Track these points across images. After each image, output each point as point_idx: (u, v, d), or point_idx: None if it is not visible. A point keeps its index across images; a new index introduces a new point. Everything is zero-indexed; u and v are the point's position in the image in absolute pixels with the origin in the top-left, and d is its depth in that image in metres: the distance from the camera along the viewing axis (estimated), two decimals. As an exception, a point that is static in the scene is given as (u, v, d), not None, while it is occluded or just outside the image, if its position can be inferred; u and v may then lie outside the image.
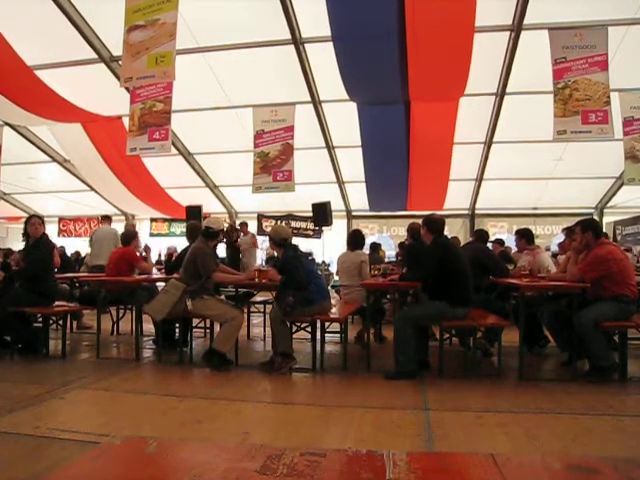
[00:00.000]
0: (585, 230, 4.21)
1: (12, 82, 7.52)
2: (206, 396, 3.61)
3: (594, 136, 6.56)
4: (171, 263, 6.11)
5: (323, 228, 12.17)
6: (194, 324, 4.97)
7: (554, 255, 8.11)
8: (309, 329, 4.52)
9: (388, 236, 14.35)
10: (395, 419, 3.08)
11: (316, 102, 9.18)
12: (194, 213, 11.20)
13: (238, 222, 10.77)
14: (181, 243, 9.02)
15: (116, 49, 7.65)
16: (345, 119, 9.15)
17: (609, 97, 6.44)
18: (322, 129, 10.09)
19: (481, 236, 5.65)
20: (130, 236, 5.83)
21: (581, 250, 4.31)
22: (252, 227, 13.24)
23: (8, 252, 9.00)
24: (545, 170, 11.36)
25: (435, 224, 4.29)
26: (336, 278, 8.49)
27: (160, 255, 13.60)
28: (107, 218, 8.68)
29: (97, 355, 4.77)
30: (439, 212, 10.99)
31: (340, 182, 12.68)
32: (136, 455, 1.05)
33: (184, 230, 10.00)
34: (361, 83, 7.69)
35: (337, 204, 12.90)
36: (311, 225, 13.05)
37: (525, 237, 5.64)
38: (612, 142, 7.59)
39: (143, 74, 5.76)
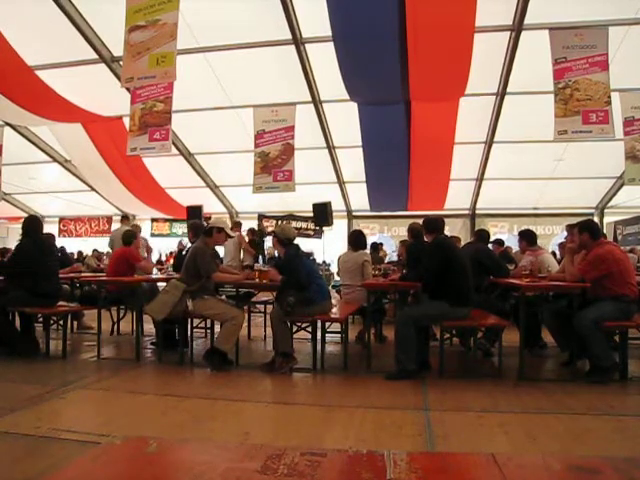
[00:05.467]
0: (582, 231, 4.24)
1: (12, 82, 7.53)
2: (206, 396, 3.61)
3: (595, 136, 6.55)
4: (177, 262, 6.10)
5: (324, 228, 12.17)
6: (194, 324, 4.97)
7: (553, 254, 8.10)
8: (310, 329, 4.52)
9: (389, 236, 14.36)
10: (396, 419, 3.07)
11: (316, 102, 9.19)
12: (195, 213, 11.20)
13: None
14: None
15: (117, 49, 7.65)
16: (345, 119, 9.14)
17: (610, 97, 6.44)
18: (322, 129, 10.09)
19: (482, 236, 5.65)
20: (131, 236, 5.82)
21: (576, 251, 4.33)
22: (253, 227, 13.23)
23: (4, 251, 8.96)
24: (545, 170, 11.36)
25: (432, 224, 4.32)
26: (337, 278, 8.49)
27: (160, 255, 13.61)
28: (125, 218, 8.67)
29: (98, 355, 4.77)
30: (440, 212, 11.07)
31: (341, 182, 12.68)
32: (136, 455, 1.05)
33: (185, 230, 9.99)
34: (361, 83, 7.69)
35: (338, 204, 12.90)
36: (312, 225, 13.05)
37: (527, 238, 5.64)
38: (612, 142, 7.59)
39: (144, 74, 5.76)
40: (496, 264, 5.13)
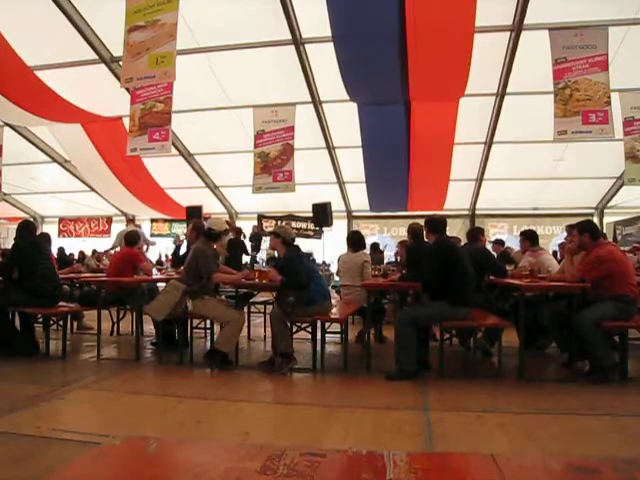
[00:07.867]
0: (582, 232, 4.23)
1: (12, 82, 7.53)
2: (206, 396, 3.61)
3: (594, 136, 6.55)
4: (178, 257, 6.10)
5: (323, 228, 12.17)
6: (194, 324, 4.96)
7: (554, 254, 8.10)
8: (309, 329, 4.52)
9: (389, 236, 14.35)
10: (395, 419, 3.07)
11: (316, 102, 9.19)
12: (194, 213, 11.20)
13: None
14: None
15: (116, 49, 7.66)
16: (345, 119, 9.15)
17: (609, 97, 6.43)
18: (322, 129, 10.09)
19: (474, 236, 5.55)
20: (135, 237, 5.84)
21: (576, 251, 4.33)
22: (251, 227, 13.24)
23: (4, 252, 8.94)
24: (545, 170, 11.36)
25: (434, 224, 4.30)
26: (336, 278, 8.48)
27: (160, 255, 13.59)
28: (130, 221, 8.67)
29: (97, 355, 4.77)
30: (439, 212, 11.04)
31: (340, 182, 12.68)
32: (136, 455, 1.05)
33: (185, 231, 9.99)
34: (361, 83, 7.70)
35: (337, 204, 12.90)
36: (311, 225, 13.05)
37: (529, 239, 5.62)
38: (612, 142, 7.60)
39: (144, 74, 5.76)
40: (492, 264, 5.11)
